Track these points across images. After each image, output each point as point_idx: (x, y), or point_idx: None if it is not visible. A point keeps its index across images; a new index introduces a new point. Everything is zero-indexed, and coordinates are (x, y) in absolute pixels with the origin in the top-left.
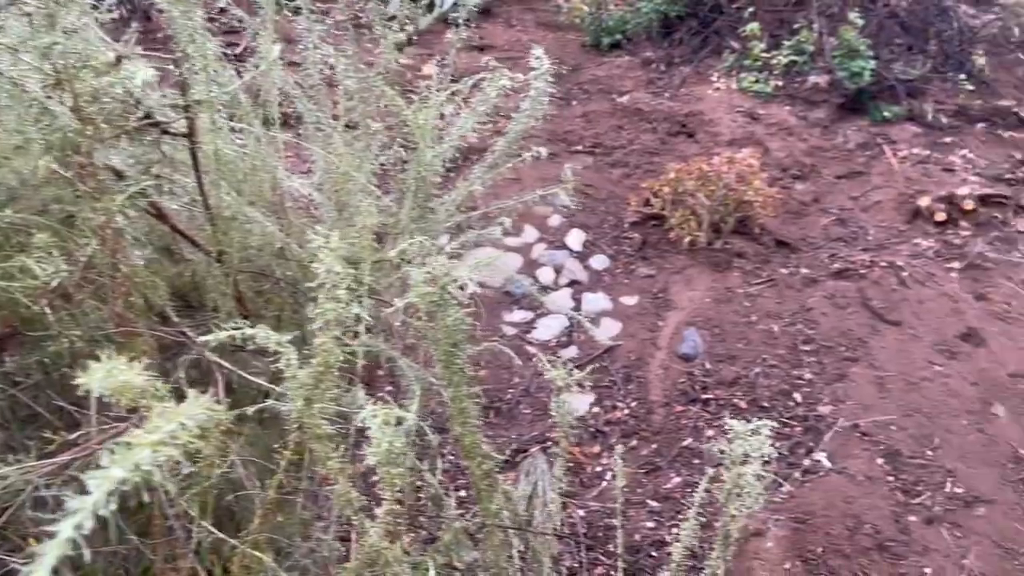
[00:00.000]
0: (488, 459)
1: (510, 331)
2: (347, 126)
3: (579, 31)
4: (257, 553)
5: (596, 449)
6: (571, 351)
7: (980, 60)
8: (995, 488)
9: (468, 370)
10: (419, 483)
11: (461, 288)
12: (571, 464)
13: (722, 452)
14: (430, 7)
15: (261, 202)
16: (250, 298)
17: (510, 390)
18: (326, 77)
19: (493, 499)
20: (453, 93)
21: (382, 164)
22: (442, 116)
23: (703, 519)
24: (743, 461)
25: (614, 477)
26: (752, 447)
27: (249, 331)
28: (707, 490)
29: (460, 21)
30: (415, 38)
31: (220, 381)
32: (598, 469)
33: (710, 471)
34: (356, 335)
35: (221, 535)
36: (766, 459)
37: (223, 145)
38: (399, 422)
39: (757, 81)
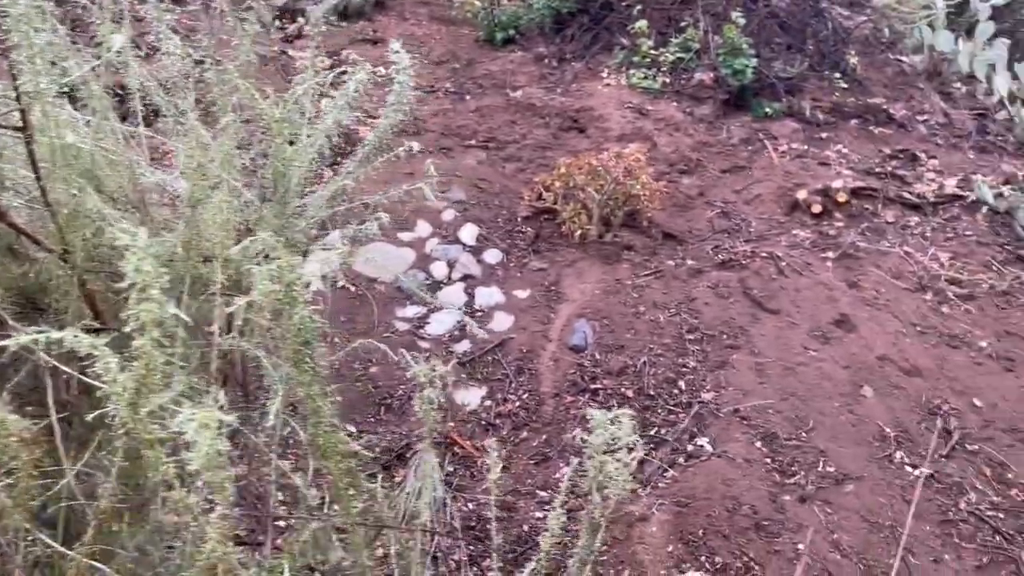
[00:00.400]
0: (348, 458)
1: (403, 326)
2: (209, 119)
3: (473, 26)
4: (95, 564)
5: (487, 441)
6: (464, 345)
7: (853, 60)
8: (863, 466)
9: (321, 369)
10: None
11: (307, 286)
12: (462, 458)
13: (584, 442)
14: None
15: (122, 198)
16: (104, 299)
17: (401, 386)
18: (185, 70)
19: (355, 498)
20: (334, 84)
21: (252, 159)
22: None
23: (567, 509)
24: (607, 451)
25: (505, 468)
26: (615, 436)
27: (56, 334)
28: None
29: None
30: (305, 31)
31: (50, 388)
32: (489, 462)
33: (575, 461)
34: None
35: (55, 547)
36: (630, 447)
37: (73, 139)
38: (221, 425)
39: (646, 77)
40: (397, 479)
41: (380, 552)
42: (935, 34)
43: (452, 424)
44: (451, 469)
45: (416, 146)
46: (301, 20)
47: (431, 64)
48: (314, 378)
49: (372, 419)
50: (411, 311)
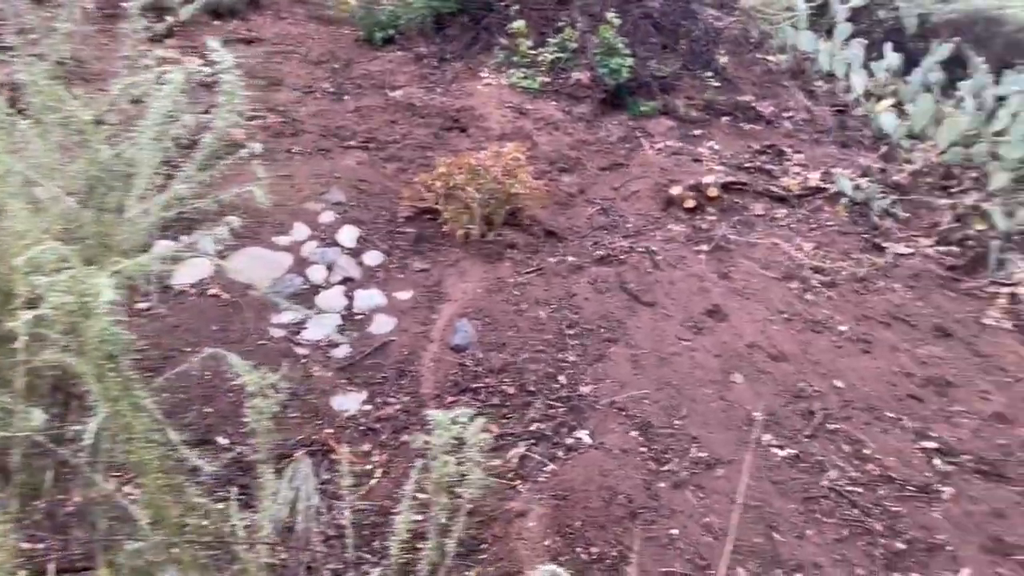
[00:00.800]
0: (167, 475)
1: (278, 333)
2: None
3: (352, 25)
4: None
5: (366, 447)
6: (344, 350)
7: (723, 59)
8: (732, 449)
9: (134, 384)
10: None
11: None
12: (340, 464)
13: (427, 443)
14: None
15: None
16: None
17: (278, 394)
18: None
19: (184, 516)
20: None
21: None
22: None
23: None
24: (450, 450)
25: (385, 472)
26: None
27: None
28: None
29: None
30: (176, 29)
31: None
32: (368, 467)
33: (419, 463)
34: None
35: None
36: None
37: None
38: None
39: (525, 77)
40: (271, 489)
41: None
42: (798, 34)
43: (330, 430)
44: (328, 477)
45: (258, 147)
46: (169, 19)
47: (309, 64)
48: (123, 393)
49: (245, 429)
50: (287, 317)
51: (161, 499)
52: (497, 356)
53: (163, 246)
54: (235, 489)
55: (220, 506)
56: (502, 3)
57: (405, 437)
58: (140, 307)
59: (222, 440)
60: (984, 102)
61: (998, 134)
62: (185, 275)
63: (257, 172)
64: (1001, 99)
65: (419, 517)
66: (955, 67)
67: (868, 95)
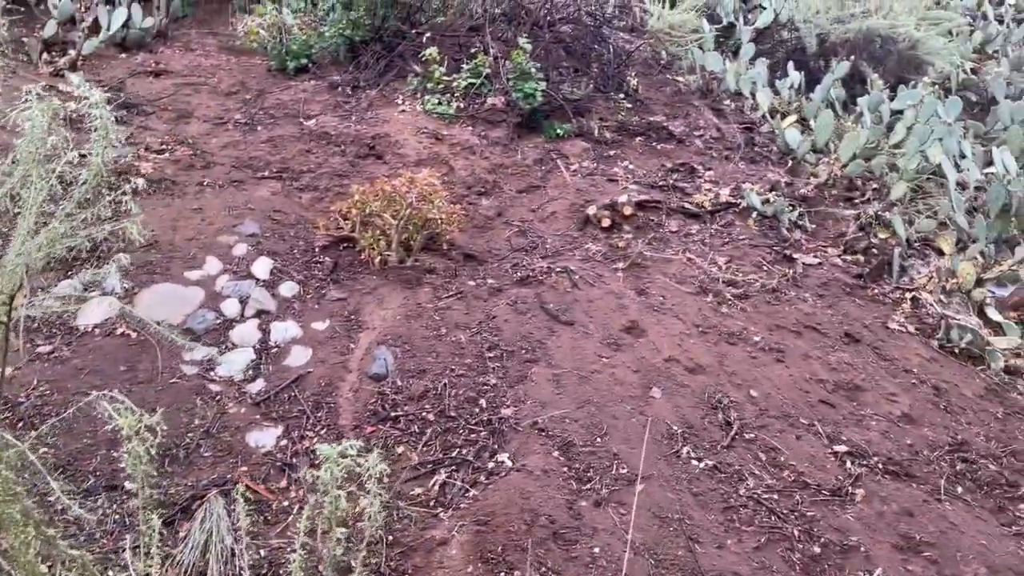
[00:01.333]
0: (37, 528)
1: (191, 370)
2: None
3: (265, 55)
4: None
5: (283, 483)
6: (258, 384)
7: (634, 81)
8: (653, 464)
9: None
10: None
11: None
12: (256, 502)
13: (316, 478)
14: (95, 30)
15: None
16: None
17: (189, 434)
18: None
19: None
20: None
21: None
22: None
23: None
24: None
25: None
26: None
27: None
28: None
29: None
30: (81, 63)
31: None
32: (285, 503)
33: (311, 498)
34: None
35: None
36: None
37: None
38: None
39: (440, 103)
40: (181, 534)
41: None
42: (705, 56)
43: (245, 468)
44: (242, 516)
45: (141, 183)
46: (72, 52)
47: (220, 95)
48: None
49: (155, 472)
50: (200, 353)
51: (24, 554)
52: (417, 383)
53: (65, 286)
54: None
55: (112, 556)
56: (415, 31)
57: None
58: (42, 350)
59: (130, 485)
60: (882, 116)
61: (896, 146)
62: (90, 315)
63: (132, 208)
64: (897, 113)
65: (340, 551)
66: (854, 83)
67: (773, 112)
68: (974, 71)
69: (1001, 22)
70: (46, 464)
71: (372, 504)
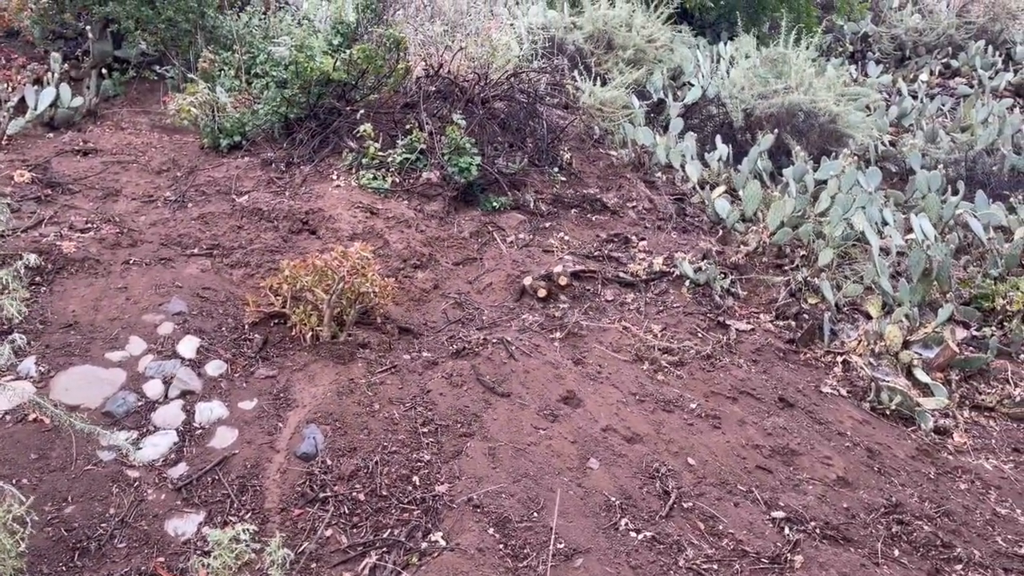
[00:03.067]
0: None
1: (107, 456)
2: None
3: (198, 133)
4: None
5: (203, 573)
6: (180, 468)
7: (567, 155)
8: (591, 537)
9: None
10: None
11: None
12: None
13: (206, 566)
14: (21, 109)
15: None
16: None
17: (103, 524)
18: None
19: None
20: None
21: None
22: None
23: None
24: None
25: None
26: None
27: None
28: None
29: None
30: (5, 143)
31: None
32: None
33: None
34: None
35: None
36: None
37: None
38: None
39: (375, 178)
40: None
41: None
42: (636, 130)
43: (161, 559)
44: None
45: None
46: None
47: (150, 173)
48: None
49: (63, 567)
50: (118, 439)
51: None
52: (348, 461)
53: None
54: None
55: None
56: (350, 108)
57: (248, 557)
58: None
59: None
60: (807, 186)
61: (821, 214)
62: (0, 401)
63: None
64: (821, 183)
65: None
66: (779, 155)
67: (703, 184)
68: (892, 143)
69: (915, 97)
70: None
71: None
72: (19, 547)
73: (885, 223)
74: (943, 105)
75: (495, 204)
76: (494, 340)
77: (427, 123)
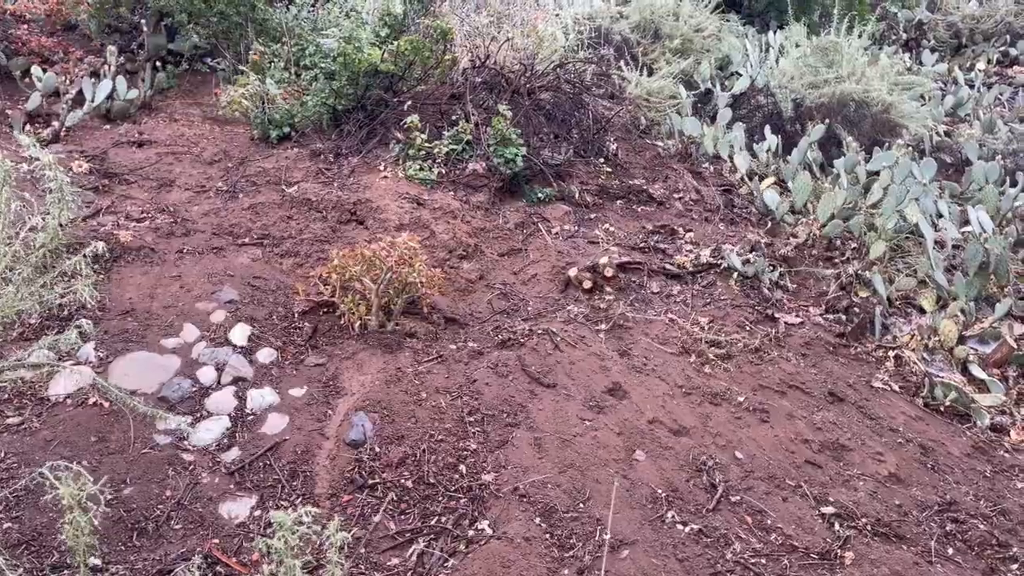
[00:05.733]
0: None
1: (164, 440)
2: None
3: (248, 125)
4: None
5: (255, 556)
6: (233, 453)
7: (614, 146)
8: (637, 529)
9: None
10: None
11: None
12: (228, 575)
13: (269, 548)
14: (79, 102)
15: None
16: None
17: (160, 506)
18: None
19: None
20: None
21: None
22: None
23: None
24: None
25: None
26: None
27: None
28: None
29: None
30: (63, 134)
31: None
32: None
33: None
34: None
35: None
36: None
37: None
38: None
39: (422, 169)
40: None
41: None
42: (683, 121)
43: (216, 540)
44: None
45: (102, 246)
46: (56, 124)
47: (202, 164)
48: None
49: (123, 547)
50: (174, 423)
51: None
52: (396, 449)
53: (39, 355)
54: None
55: None
56: (397, 99)
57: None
58: (11, 422)
59: (95, 561)
60: (858, 177)
61: (873, 206)
62: (61, 385)
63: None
64: (873, 174)
65: None
66: (830, 146)
67: (751, 175)
68: (947, 133)
69: (972, 86)
70: (8, 539)
71: (333, 574)
72: (93, 524)
73: (940, 215)
74: (1001, 94)
75: (540, 195)
76: (539, 331)
77: (473, 114)
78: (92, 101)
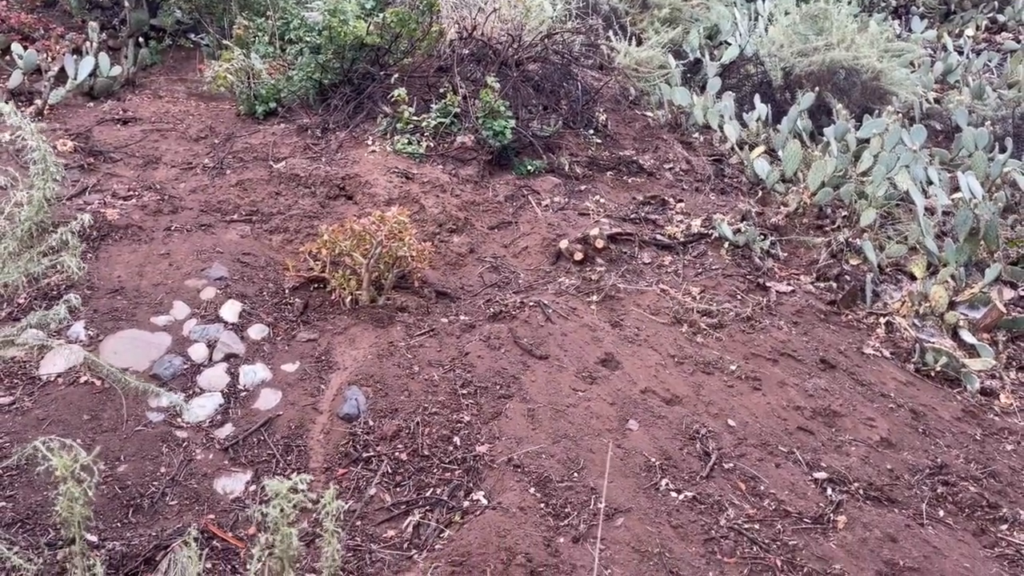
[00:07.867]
0: None
1: (157, 417)
2: None
3: (234, 100)
4: None
5: (252, 530)
6: (227, 429)
7: (603, 117)
8: (631, 497)
9: None
10: None
11: None
12: (223, 551)
13: (264, 515)
14: (62, 79)
15: None
16: None
17: (154, 482)
18: None
19: None
20: None
21: None
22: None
23: None
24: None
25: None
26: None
27: None
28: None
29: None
30: (46, 112)
31: None
32: (254, 551)
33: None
34: None
35: None
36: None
37: None
38: None
39: (410, 143)
40: None
41: None
42: (673, 91)
43: (211, 515)
44: (209, 565)
45: (87, 219)
46: (39, 102)
47: (188, 141)
48: None
49: (119, 523)
50: (166, 400)
51: None
52: (389, 422)
53: (29, 335)
54: None
55: None
56: (384, 72)
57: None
58: (2, 401)
59: (91, 537)
60: (848, 145)
61: (863, 174)
62: (53, 364)
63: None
64: (863, 142)
65: None
66: (820, 114)
67: (742, 144)
68: (937, 100)
69: (961, 53)
70: (3, 518)
71: (329, 543)
72: (87, 494)
73: (930, 182)
74: (989, 61)
75: (530, 167)
76: (531, 303)
77: (461, 87)
78: (75, 78)
